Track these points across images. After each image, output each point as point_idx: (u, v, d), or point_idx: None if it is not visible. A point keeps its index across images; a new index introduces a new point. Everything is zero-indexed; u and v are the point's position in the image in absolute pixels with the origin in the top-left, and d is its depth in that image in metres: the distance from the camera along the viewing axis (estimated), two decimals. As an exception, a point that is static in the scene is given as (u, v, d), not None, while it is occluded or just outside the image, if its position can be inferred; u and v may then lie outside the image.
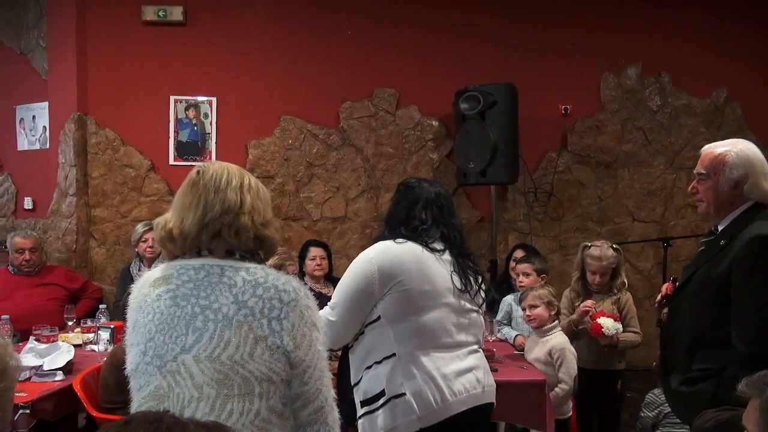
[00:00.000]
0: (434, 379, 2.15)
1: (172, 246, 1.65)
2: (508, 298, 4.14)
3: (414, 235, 2.28)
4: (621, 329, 3.58)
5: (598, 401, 3.79)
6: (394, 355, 2.17)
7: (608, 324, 3.52)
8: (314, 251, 4.59)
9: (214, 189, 1.62)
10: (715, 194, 2.29)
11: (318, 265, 4.54)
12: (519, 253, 4.49)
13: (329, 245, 4.90)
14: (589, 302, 3.63)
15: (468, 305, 2.29)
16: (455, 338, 2.23)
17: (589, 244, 3.80)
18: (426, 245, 2.26)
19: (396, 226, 2.34)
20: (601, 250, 3.72)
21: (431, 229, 2.31)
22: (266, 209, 1.68)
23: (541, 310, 3.39)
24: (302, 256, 4.64)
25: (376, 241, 2.37)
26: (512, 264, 4.42)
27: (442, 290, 2.22)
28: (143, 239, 4.60)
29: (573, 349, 3.33)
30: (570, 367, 3.25)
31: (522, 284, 3.95)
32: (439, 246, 2.28)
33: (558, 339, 3.33)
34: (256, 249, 1.65)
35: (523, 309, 3.48)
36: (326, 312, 2.25)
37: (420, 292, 2.19)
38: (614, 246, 3.78)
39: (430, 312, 2.19)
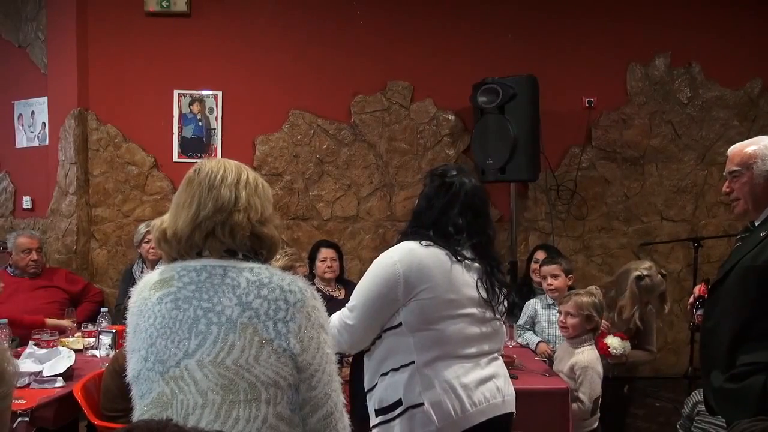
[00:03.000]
0: (454, 388, 2.14)
1: (168, 247, 1.65)
2: (532, 302, 4.11)
3: (444, 242, 2.22)
4: (629, 347, 3.53)
5: (603, 405, 3.74)
6: (412, 363, 2.16)
7: (615, 343, 3.47)
8: (325, 252, 4.59)
9: (208, 187, 1.62)
10: (752, 188, 2.36)
11: (328, 266, 4.54)
12: (540, 255, 4.46)
13: (340, 246, 4.90)
14: (604, 324, 3.58)
15: (491, 315, 2.27)
16: (476, 348, 2.22)
17: (642, 275, 3.63)
18: (455, 253, 2.21)
19: (424, 226, 2.27)
20: (653, 280, 3.63)
21: (463, 237, 2.24)
22: (265, 206, 1.67)
23: (577, 322, 3.29)
24: (312, 258, 4.64)
25: (400, 239, 2.30)
26: (534, 266, 4.40)
27: (466, 300, 2.20)
28: (146, 240, 4.62)
29: (600, 369, 3.25)
30: (591, 388, 3.17)
31: (551, 287, 3.92)
32: (468, 254, 2.24)
33: (585, 356, 3.24)
34: (255, 248, 1.65)
35: (559, 312, 3.43)
36: (344, 314, 2.23)
37: (445, 302, 2.16)
38: (662, 272, 3.73)
39: (454, 321, 2.17)
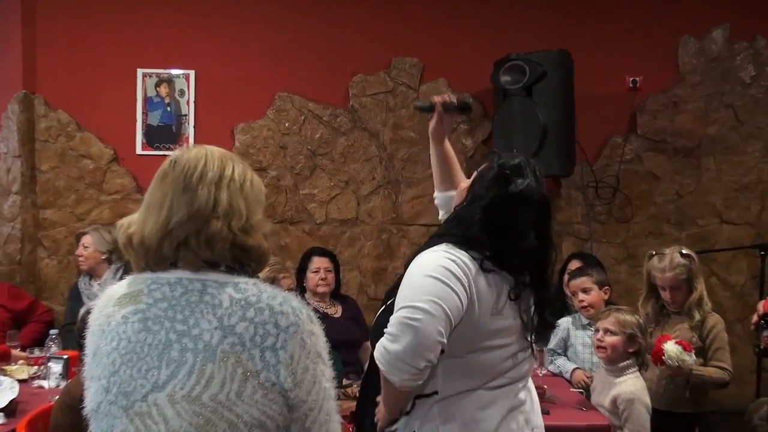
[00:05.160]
0: (477, 421, 2.14)
1: (135, 256, 1.64)
2: (564, 322, 4.11)
3: (498, 264, 2.14)
4: (690, 361, 3.46)
5: None
6: (435, 394, 2.15)
7: (671, 349, 3.41)
8: (318, 262, 4.59)
9: (183, 186, 1.60)
10: None
11: (322, 279, 4.54)
12: (575, 264, 4.45)
13: (336, 254, 4.89)
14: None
15: (526, 343, 2.27)
16: (507, 378, 2.21)
17: (654, 252, 3.76)
18: (514, 283, 2.16)
19: (475, 240, 2.15)
20: (665, 258, 3.66)
21: (523, 268, 2.17)
22: (252, 209, 1.65)
23: (617, 341, 3.27)
24: (303, 268, 4.63)
25: (435, 240, 2.21)
26: (566, 278, 4.39)
27: (508, 330, 2.18)
28: (78, 245, 4.68)
29: (647, 400, 3.22)
30: (639, 423, 3.14)
31: (583, 303, 3.91)
32: (525, 280, 2.20)
33: (629, 385, 3.23)
34: (240, 260, 1.63)
35: (596, 330, 3.41)
36: (401, 313, 2.02)
37: (490, 331, 2.14)
38: (683, 251, 3.70)
39: (491, 352, 2.16)
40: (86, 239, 4.59)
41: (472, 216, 2.18)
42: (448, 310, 2.00)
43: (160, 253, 1.59)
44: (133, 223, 1.65)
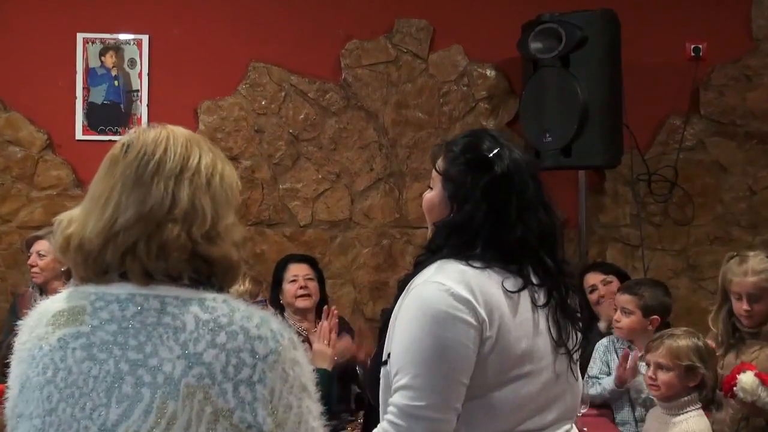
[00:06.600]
0: None
1: (73, 263, 1.63)
2: (605, 343, 4.12)
3: (505, 265, 2.14)
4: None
5: None
6: None
7: (746, 380, 3.40)
8: (295, 269, 4.52)
9: (135, 178, 1.59)
10: None
11: (302, 287, 4.47)
12: (594, 278, 4.44)
13: (325, 264, 4.88)
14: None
15: (562, 366, 2.25)
16: (543, 418, 2.20)
17: (735, 254, 3.74)
18: (525, 281, 2.14)
19: (465, 240, 2.16)
20: (747, 260, 3.65)
21: (532, 256, 2.17)
22: (220, 211, 1.63)
23: (671, 378, 3.25)
24: (278, 281, 4.60)
25: (425, 257, 2.21)
26: (594, 297, 4.42)
27: (538, 350, 2.17)
28: (29, 253, 4.65)
29: None
30: None
31: (618, 324, 3.93)
32: (535, 279, 2.18)
33: (691, 424, 3.21)
34: (202, 273, 1.61)
35: (647, 364, 3.42)
36: (401, 400, 2.05)
37: (516, 356, 2.10)
38: None
39: (519, 384, 2.15)
40: (42, 245, 4.54)
41: (474, 218, 2.17)
42: (460, 377, 2.04)
43: (102, 260, 1.58)
44: (73, 220, 1.63)
